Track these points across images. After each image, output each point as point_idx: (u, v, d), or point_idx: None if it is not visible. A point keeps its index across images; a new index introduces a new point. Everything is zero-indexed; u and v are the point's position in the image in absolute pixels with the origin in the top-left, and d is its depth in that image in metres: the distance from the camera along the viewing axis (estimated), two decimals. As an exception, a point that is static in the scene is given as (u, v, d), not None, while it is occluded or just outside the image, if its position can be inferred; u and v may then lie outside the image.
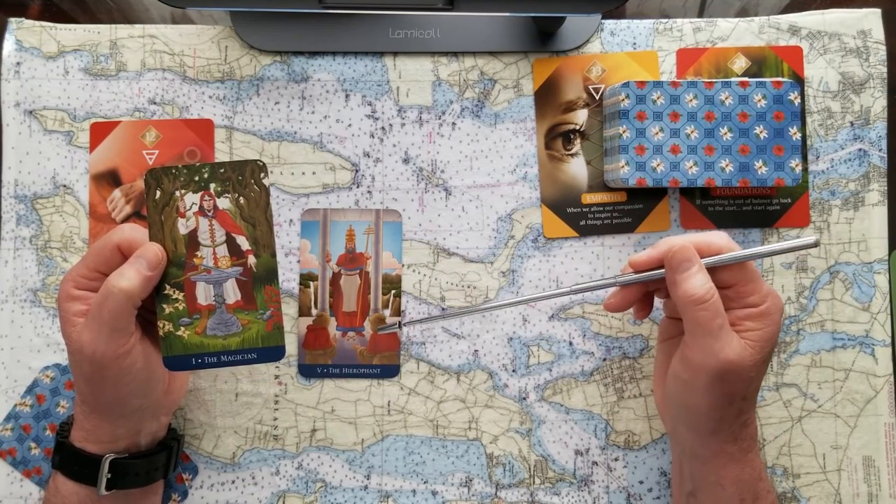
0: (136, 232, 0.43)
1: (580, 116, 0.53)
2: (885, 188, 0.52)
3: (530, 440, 0.51)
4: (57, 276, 0.52)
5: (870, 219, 0.52)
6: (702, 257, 0.43)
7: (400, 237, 0.52)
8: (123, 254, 0.43)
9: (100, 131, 0.52)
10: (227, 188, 0.43)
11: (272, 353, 0.44)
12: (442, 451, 0.51)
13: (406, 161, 0.53)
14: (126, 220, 0.52)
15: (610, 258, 0.52)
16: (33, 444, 0.51)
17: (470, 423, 0.52)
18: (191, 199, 0.43)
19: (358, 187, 0.52)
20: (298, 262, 0.52)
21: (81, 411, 0.44)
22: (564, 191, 0.52)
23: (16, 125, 0.52)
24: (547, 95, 0.53)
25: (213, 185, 0.43)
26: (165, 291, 0.43)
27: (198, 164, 0.43)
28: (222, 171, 0.43)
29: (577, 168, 0.52)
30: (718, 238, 0.43)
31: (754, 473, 0.44)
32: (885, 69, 0.53)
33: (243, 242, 0.43)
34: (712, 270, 0.43)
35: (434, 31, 0.52)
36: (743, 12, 0.55)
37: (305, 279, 0.52)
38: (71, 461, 0.44)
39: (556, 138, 0.53)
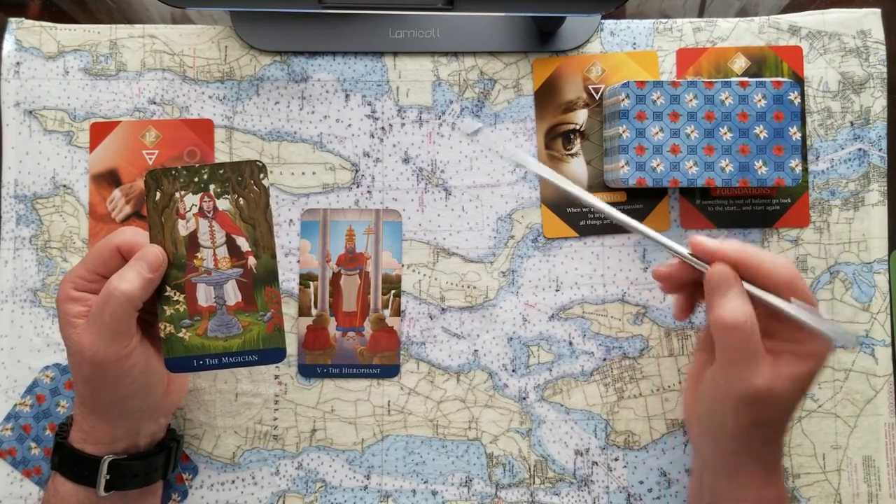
0: (136, 234, 0.43)
1: (580, 116, 0.53)
2: (885, 188, 0.52)
3: (530, 440, 0.51)
4: (57, 276, 0.52)
5: (870, 219, 0.52)
6: (753, 275, 0.41)
7: (400, 237, 0.52)
8: (123, 256, 0.42)
9: (100, 131, 0.52)
10: (226, 189, 0.43)
11: (273, 354, 0.44)
12: (442, 451, 0.51)
13: (406, 161, 0.53)
14: (126, 220, 0.52)
15: (610, 258, 0.52)
16: (33, 444, 0.51)
17: (470, 423, 0.52)
18: (191, 201, 0.43)
19: (358, 187, 0.52)
20: (298, 262, 0.52)
21: (80, 412, 0.44)
22: (564, 191, 0.52)
23: (16, 125, 0.52)
24: (547, 95, 0.53)
25: (212, 187, 0.43)
26: (166, 293, 0.43)
27: (197, 165, 0.43)
28: (222, 172, 0.43)
29: (577, 168, 0.52)
30: (773, 261, 0.41)
31: (776, 495, 0.43)
32: (885, 69, 0.53)
33: (243, 244, 0.43)
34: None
35: (434, 31, 0.52)
36: (743, 12, 0.55)
37: (305, 279, 0.52)
38: (70, 462, 0.44)
39: (556, 138, 0.53)
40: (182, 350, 0.43)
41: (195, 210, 0.43)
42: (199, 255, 0.43)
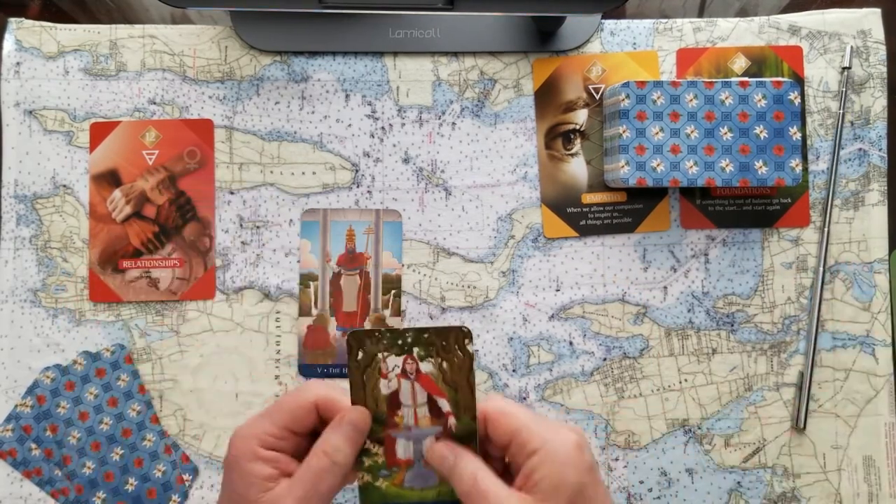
0: (334, 390, 0.41)
1: (580, 116, 0.53)
2: (885, 188, 0.52)
3: (530, 440, 0.51)
4: (57, 277, 0.52)
5: (870, 219, 0.52)
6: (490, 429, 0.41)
7: (400, 237, 0.52)
8: (321, 414, 0.41)
9: (100, 131, 0.52)
10: (430, 353, 0.42)
11: None
12: (442, 452, 0.51)
13: (406, 161, 0.53)
14: (126, 220, 0.52)
15: (610, 258, 0.52)
16: (34, 445, 0.51)
17: (470, 423, 0.52)
18: (393, 362, 0.42)
19: (358, 187, 0.52)
20: (298, 262, 0.52)
21: None
22: (564, 191, 0.52)
23: (16, 125, 0.52)
24: (547, 95, 0.53)
25: (416, 350, 0.42)
26: (366, 446, 0.42)
27: (402, 328, 0.43)
28: (426, 336, 0.42)
29: (577, 168, 0.52)
30: (478, 400, 0.42)
31: None
32: (885, 69, 0.53)
33: (444, 404, 0.43)
34: (491, 437, 0.42)
35: (434, 31, 0.52)
36: (743, 12, 0.55)
37: (305, 279, 0.52)
38: None
39: (556, 138, 0.53)
40: (379, 498, 0.43)
41: (397, 371, 0.42)
42: (399, 412, 0.43)
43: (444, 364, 0.42)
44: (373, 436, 0.42)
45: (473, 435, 0.42)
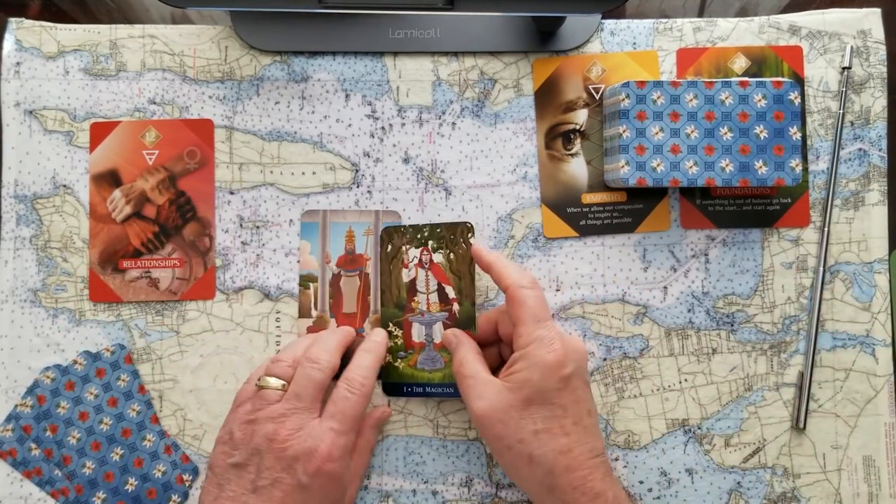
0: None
1: (580, 116, 0.53)
2: (885, 188, 0.52)
3: (530, 440, 0.51)
4: (57, 276, 0.51)
5: (870, 219, 0.52)
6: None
7: (400, 237, 0.52)
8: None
9: (100, 131, 0.52)
10: (441, 245, 0.50)
11: None
12: (442, 451, 0.51)
13: (406, 161, 0.53)
14: (126, 220, 0.52)
15: (610, 258, 0.52)
16: (34, 445, 0.51)
17: (470, 423, 0.52)
18: (413, 254, 0.50)
19: (358, 187, 0.52)
20: (298, 262, 0.52)
21: None
22: (564, 191, 0.52)
23: (16, 125, 0.52)
24: (547, 95, 0.53)
25: (431, 242, 0.50)
26: (389, 328, 0.50)
27: (420, 224, 0.51)
28: (439, 230, 0.50)
29: (577, 168, 0.52)
30: (510, 274, 0.46)
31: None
32: (885, 69, 0.53)
33: (450, 291, 0.50)
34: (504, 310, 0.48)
35: (434, 31, 0.52)
36: (743, 12, 0.55)
37: (305, 280, 0.52)
38: None
39: (556, 138, 0.53)
40: (397, 377, 0.50)
41: (416, 261, 0.50)
42: (416, 299, 0.50)
43: (452, 255, 0.50)
44: (394, 320, 0.50)
45: (472, 319, 0.49)
